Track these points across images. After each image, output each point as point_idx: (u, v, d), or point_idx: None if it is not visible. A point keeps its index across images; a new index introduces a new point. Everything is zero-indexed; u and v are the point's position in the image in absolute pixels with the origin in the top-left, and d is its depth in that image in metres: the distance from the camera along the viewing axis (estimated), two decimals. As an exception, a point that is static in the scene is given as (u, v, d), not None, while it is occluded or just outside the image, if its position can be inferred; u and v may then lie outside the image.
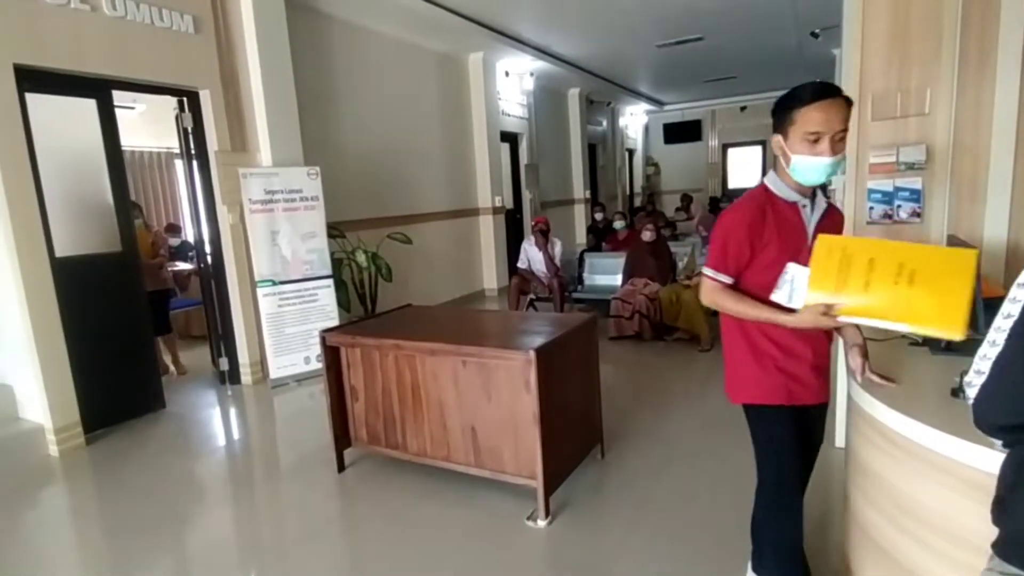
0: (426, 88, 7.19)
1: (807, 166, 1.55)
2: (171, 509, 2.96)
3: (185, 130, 4.53)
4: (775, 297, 1.56)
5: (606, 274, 6.35)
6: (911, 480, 1.40)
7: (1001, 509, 0.95)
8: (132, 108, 6.85)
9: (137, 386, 4.17)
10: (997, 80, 2.59)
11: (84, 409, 3.73)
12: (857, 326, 1.56)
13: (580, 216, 11.21)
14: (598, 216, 8.41)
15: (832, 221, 1.70)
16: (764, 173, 1.74)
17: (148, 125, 7.15)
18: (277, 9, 4.78)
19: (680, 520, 2.58)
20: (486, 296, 8.30)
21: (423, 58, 7.12)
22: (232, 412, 4.43)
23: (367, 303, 5.63)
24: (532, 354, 2.45)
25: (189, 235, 6.29)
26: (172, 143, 6.20)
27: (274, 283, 4.68)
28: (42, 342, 3.56)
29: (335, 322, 4.72)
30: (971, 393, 0.99)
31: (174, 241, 6.34)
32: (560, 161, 10.84)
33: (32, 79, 3.53)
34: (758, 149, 14.76)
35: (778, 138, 1.61)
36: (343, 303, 5.24)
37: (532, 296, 6.25)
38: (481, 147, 8.11)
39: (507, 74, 8.59)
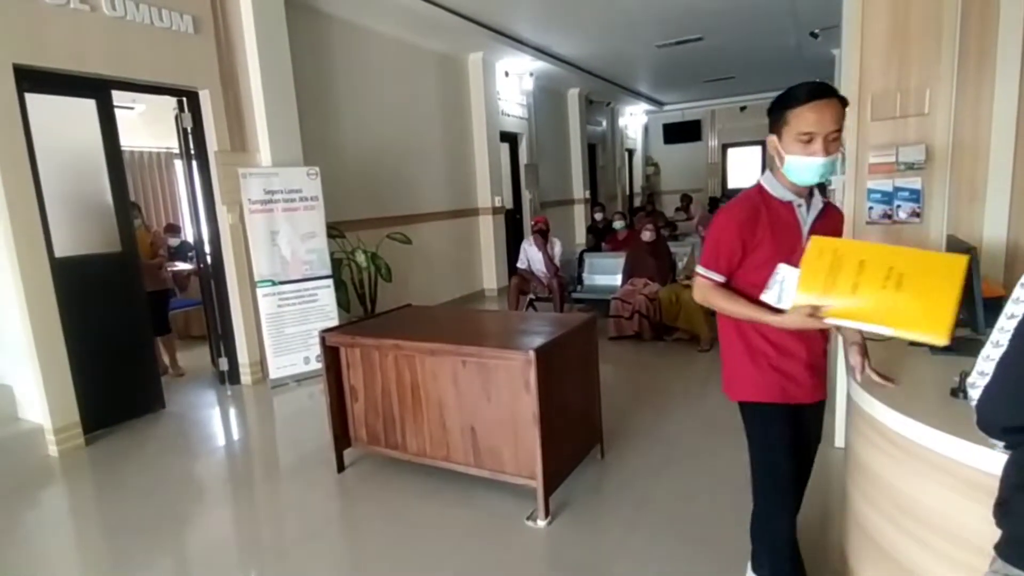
0: (426, 88, 7.19)
1: (800, 166, 1.56)
2: (171, 509, 2.96)
3: (185, 130, 4.53)
4: (765, 297, 1.56)
5: (606, 274, 6.35)
6: (911, 480, 1.40)
7: (1004, 511, 0.94)
8: (132, 108, 6.85)
9: (137, 386, 4.17)
10: (996, 80, 2.59)
11: (84, 409, 3.73)
12: None
13: (580, 216, 11.21)
14: (598, 216, 8.41)
15: (830, 220, 1.70)
16: (763, 173, 1.74)
17: (148, 125, 7.15)
18: (277, 9, 4.78)
19: (680, 520, 2.58)
20: (486, 296, 8.30)
21: (423, 58, 7.12)
22: (232, 412, 4.43)
23: (367, 303, 5.63)
24: (532, 354, 2.45)
25: (189, 235, 6.28)
26: (172, 143, 6.20)
27: (274, 283, 4.68)
28: (42, 342, 3.55)
29: (335, 322, 4.72)
30: (974, 394, 0.98)
31: (173, 241, 6.33)
32: (560, 161, 10.84)
33: (32, 79, 3.53)
34: (758, 149, 14.75)
35: (773, 138, 1.61)
36: (343, 303, 5.24)
37: (532, 296, 6.25)
38: (481, 147, 8.11)
39: (507, 74, 8.59)
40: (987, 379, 0.95)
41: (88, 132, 3.90)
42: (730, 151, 15.42)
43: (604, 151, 13.07)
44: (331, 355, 3.11)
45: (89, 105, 3.89)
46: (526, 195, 9.53)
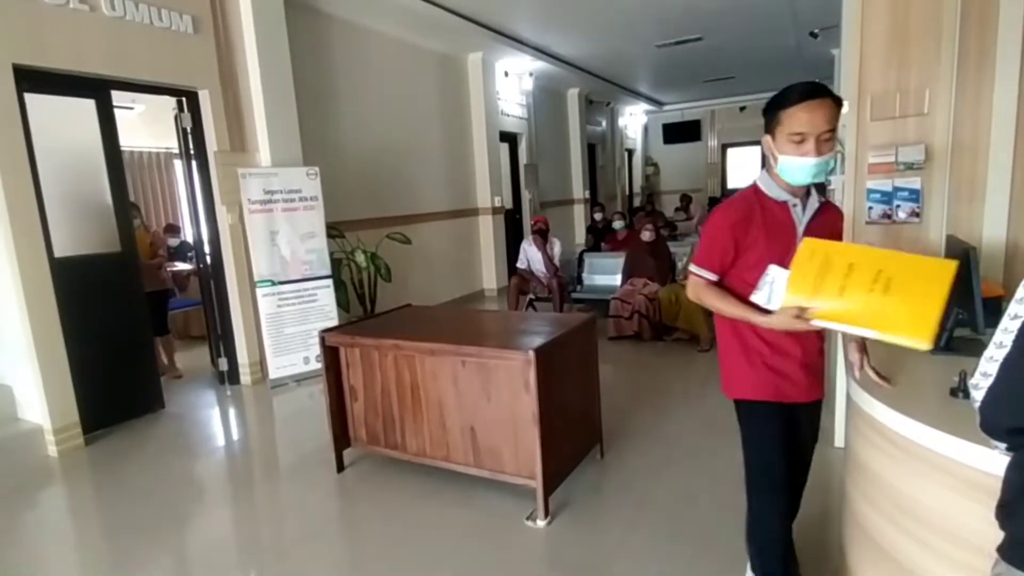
0: (425, 88, 7.19)
1: (793, 166, 1.57)
2: (170, 509, 2.96)
3: (184, 130, 4.53)
4: (755, 298, 1.57)
5: (605, 274, 6.35)
6: (911, 480, 1.40)
7: (1007, 513, 0.93)
8: (131, 108, 6.84)
9: (136, 386, 4.17)
10: (996, 80, 2.59)
11: (83, 409, 3.73)
12: None
13: (579, 216, 11.22)
14: (597, 216, 8.41)
15: (827, 220, 1.70)
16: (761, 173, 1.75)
17: (147, 125, 7.15)
18: (276, 9, 4.78)
19: (680, 520, 2.58)
20: (485, 296, 8.30)
21: (422, 58, 7.12)
22: (231, 412, 4.43)
23: (366, 303, 5.63)
24: (531, 354, 2.45)
25: (188, 235, 6.28)
26: (171, 143, 6.20)
27: (273, 283, 4.68)
28: (41, 342, 3.55)
29: (334, 322, 4.72)
30: (977, 396, 0.97)
31: (173, 241, 6.34)
32: (559, 161, 10.84)
33: (31, 79, 3.53)
34: (757, 149, 14.72)
35: (767, 138, 1.62)
36: (342, 303, 5.24)
37: (531, 296, 6.26)
38: (480, 147, 8.11)
39: (506, 74, 8.59)
40: (990, 380, 0.94)
41: (88, 132, 3.90)
42: (730, 151, 15.43)
43: (604, 151, 13.07)
44: (331, 355, 3.11)
45: (89, 105, 3.89)
46: (526, 195, 9.53)
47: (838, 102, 1.54)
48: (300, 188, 4.77)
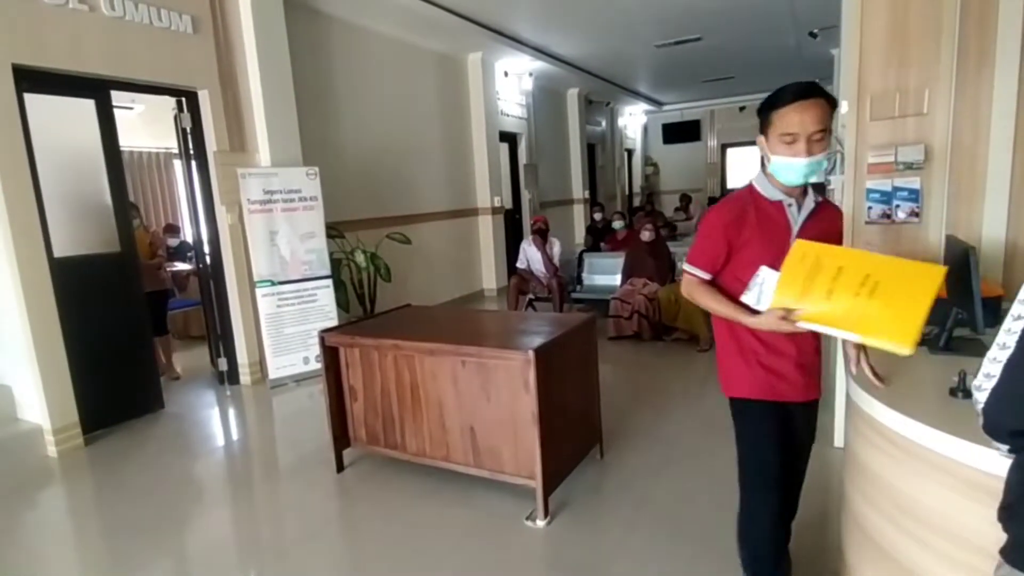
0: (425, 88, 7.19)
1: (784, 166, 1.58)
2: (170, 509, 2.96)
3: (184, 130, 4.53)
4: (744, 298, 1.58)
5: (605, 274, 6.35)
6: (910, 480, 1.40)
7: (1010, 515, 0.93)
8: (131, 108, 6.84)
9: (136, 386, 4.17)
10: (995, 80, 2.59)
11: (83, 410, 3.72)
12: None
13: (579, 216, 11.21)
14: (597, 216, 8.41)
15: (824, 220, 1.69)
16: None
17: (147, 125, 7.14)
18: (276, 9, 4.78)
19: (679, 520, 2.58)
20: (485, 296, 8.30)
21: (422, 58, 7.12)
22: (231, 412, 4.43)
23: (366, 303, 5.63)
24: (531, 354, 2.45)
25: (188, 235, 6.28)
26: (171, 143, 6.20)
27: (273, 283, 4.67)
28: (41, 343, 3.55)
29: (334, 322, 4.72)
30: (980, 397, 0.96)
31: (173, 241, 6.34)
32: (559, 161, 10.84)
33: (31, 79, 3.52)
34: (757, 149, 14.71)
35: (761, 138, 1.65)
36: (342, 303, 5.24)
37: (531, 296, 6.26)
38: (480, 147, 8.10)
39: (506, 74, 8.59)
40: (994, 381, 0.93)
41: (87, 132, 3.90)
42: (729, 151, 15.43)
43: (603, 151, 13.07)
44: (330, 355, 3.11)
45: (88, 105, 3.89)
46: (525, 195, 9.53)
47: (831, 102, 1.54)
48: (300, 188, 4.77)
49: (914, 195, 2.81)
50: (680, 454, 3.20)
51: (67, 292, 3.68)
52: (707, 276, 1.71)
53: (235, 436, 4.05)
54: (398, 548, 2.51)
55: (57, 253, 3.66)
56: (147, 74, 4.10)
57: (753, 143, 1.72)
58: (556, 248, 6.24)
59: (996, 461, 1.07)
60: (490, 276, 8.37)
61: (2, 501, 3.10)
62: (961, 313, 1.76)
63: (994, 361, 0.94)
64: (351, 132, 6.03)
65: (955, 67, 2.65)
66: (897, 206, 2.85)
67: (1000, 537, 0.94)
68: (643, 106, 14.16)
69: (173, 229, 6.59)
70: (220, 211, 4.62)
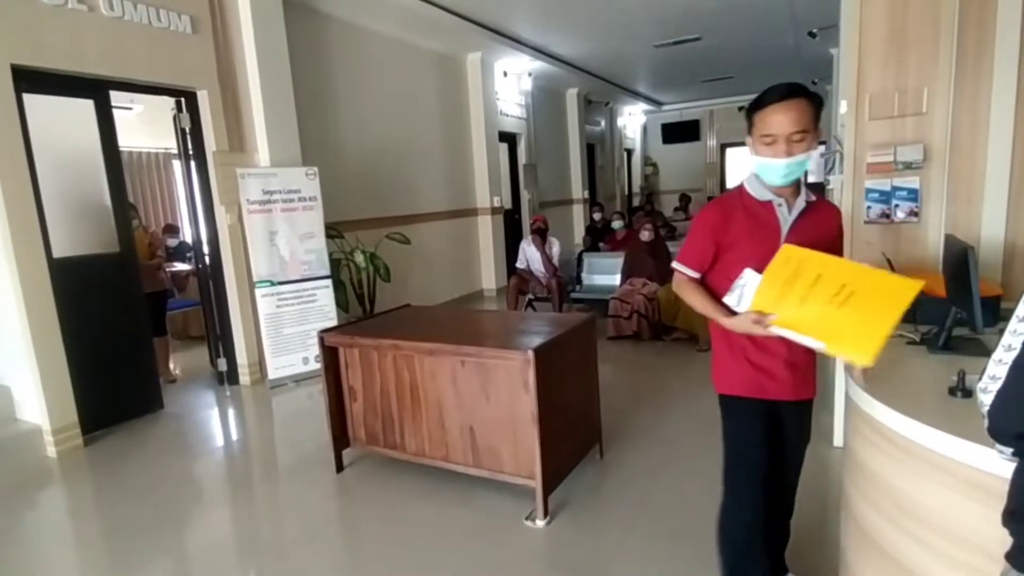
0: (424, 88, 7.19)
1: (765, 167, 1.61)
2: (170, 510, 2.95)
3: (183, 130, 4.52)
4: (727, 299, 1.61)
5: (604, 274, 6.35)
6: (910, 479, 1.40)
7: (1017, 519, 0.91)
8: (130, 108, 6.83)
9: (135, 387, 4.16)
10: (994, 79, 2.60)
11: (82, 410, 3.72)
12: None
13: (579, 216, 11.21)
14: (596, 216, 8.41)
15: (818, 219, 1.69)
16: None
17: (146, 126, 7.13)
18: (275, 9, 4.78)
19: (679, 520, 2.58)
20: (485, 296, 8.30)
21: (421, 58, 7.11)
22: (230, 413, 4.43)
23: (365, 303, 5.63)
24: (531, 354, 2.45)
25: (187, 236, 6.28)
26: (170, 144, 6.18)
27: (272, 283, 4.67)
28: (40, 343, 3.55)
29: (333, 322, 4.72)
30: (985, 399, 0.94)
31: (172, 242, 6.33)
32: (558, 161, 10.84)
33: (30, 80, 3.52)
34: (755, 149, 14.75)
35: (749, 140, 1.66)
36: (341, 303, 5.24)
37: (531, 296, 6.25)
38: (479, 147, 8.10)
39: (505, 74, 8.59)
40: (999, 383, 0.92)
41: (86, 132, 3.90)
42: (728, 151, 15.42)
43: (603, 151, 13.07)
44: (330, 355, 3.11)
45: (87, 105, 3.89)
46: (525, 195, 9.53)
47: (815, 102, 1.56)
48: (299, 188, 4.77)
49: (913, 195, 2.81)
50: (680, 454, 3.20)
51: (66, 292, 3.67)
52: (695, 274, 1.74)
53: (235, 436, 4.05)
54: (398, 548, 2.51)
55: (56, 253, 3.66)
56: (146, 74, 4.10)
57: (752, 143, 1.77)
58: (555, 248, 6.24)
59: (995, 460, 1.07)
60: (489, 276, 8.36)
61: (2, 501, 3.10)
62: (960, 312, 1.76)
63: (999, 363, 0.93)
64: (350, 132, 6.02)
65: (954, 67, 2.66)
66: (896, 206, 2.85)
67: (1001, 536, 0.94)
68: (642, 106, 14.16)
69: (172, 229, 6.59)
70: (219, 211, 4.62)
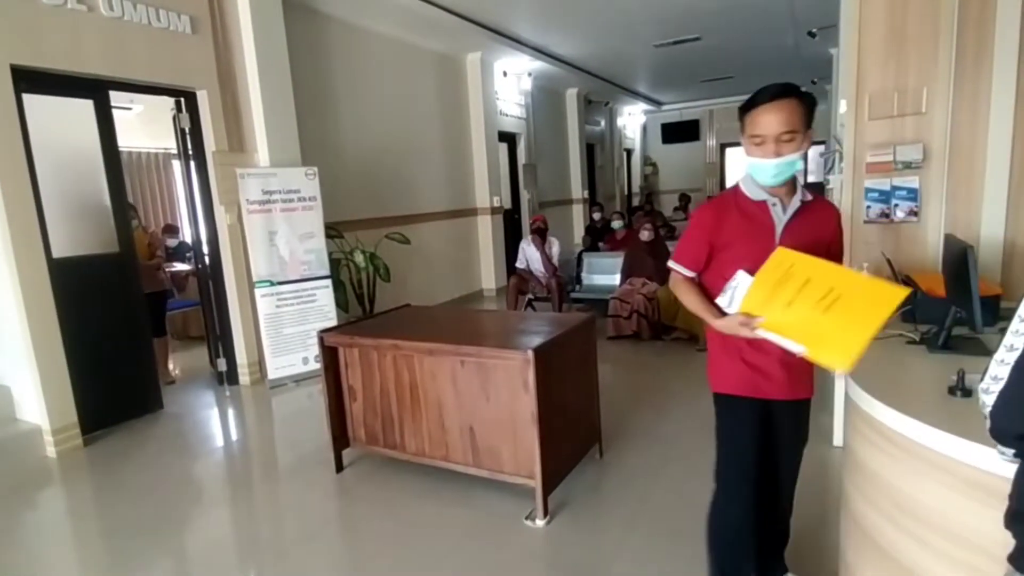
0: (424, 88, 7.19)
1: (755, 167, 1.63)
2: (170, 510, 2.95)
3: (182, 130, 4.52)
4: (719, 300, 1.62)
5: (604, 274, 6.35)
6: (909, 479, 1.40)
7: (1018, 521, 0.91)
8: (129, 109, 6.83)
9: (135, 387, 4.16)
10: (993, 78, 2.60)
11: (82, 410, 3.72)
12: None
13: (578, 216, 11.22)
14: (596, 216, 8.41)
15: (814, 218, 1.68)
16: None
17: (145, 126, 7.13)
18: (274, 9, 4.77)
19: (679, 519, 2.58)
20: (484, 296, 8.30)
21: (421, 58, 7.11)
22: (230, 413, 4.42)
23: (365, 303, 5.63)
24: (530, 354, 2.45)
25: (187, 236, 6.28)
26: (169, 144, 6.18)
27: (272, 283, 4.67)
28: (39, 343, 3.55)
29: (333, 322, 4.72)
30: (987, 400, 0.94)
31: (172, 242, 6.33)
32: (558, 161, 10.84)
33: (29, 80, 3.52)
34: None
35: (743, 140, 1.67)
36: (341, 303, 5.23)
37: (530, 296, 6.25)
38: (479, 147, 8.10)
39: (505, 74, 8.59)
40: (1001, 384, 0.91)
41: (86, 133, 3.90)
42: (728, 151, 15.42)
43: (602, 151, 13.08)
44: (329, 355, 3.11)
45: (87, 106, 3.88)
46: (524, 195, 9.53)
47: (806, 102, 1.56)
48: (299, 188, 4.77)
49: (913, 194, 2.81)
50: (680, 453, 3.20)
51: (66, 293, 3.67)
52: (690, 273, 1.76)
53: (234, 436, 4.05)
54: (397, 548, 2.51)
55: (56, 254, 3.66)
56: (146, 74, 4.10)
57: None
58: (555, 248, 6.24)
59: (995, 459, 1.07)
60: (489, 276, 8.36)
61: (1, 501, 3.09)
62: (960, 312, 1.76)
63: (1001, 363, 0.92)
64: (350, 132, 6.02)
65: (953, 66, 2.66)
66: (896, 205, 2.85)
67: (1001, 536, 0.94)
68: (642, 106, 14.16)
69: (172, 229, 6.59)
70: (219, 211, 4.61)
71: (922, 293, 2.13)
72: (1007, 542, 0.93)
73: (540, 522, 2.58)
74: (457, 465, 2.86)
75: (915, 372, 1.68)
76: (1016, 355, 0.90)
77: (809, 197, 1.68)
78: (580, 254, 6.83)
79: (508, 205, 9.07)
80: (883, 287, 1.45)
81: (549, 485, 2.61)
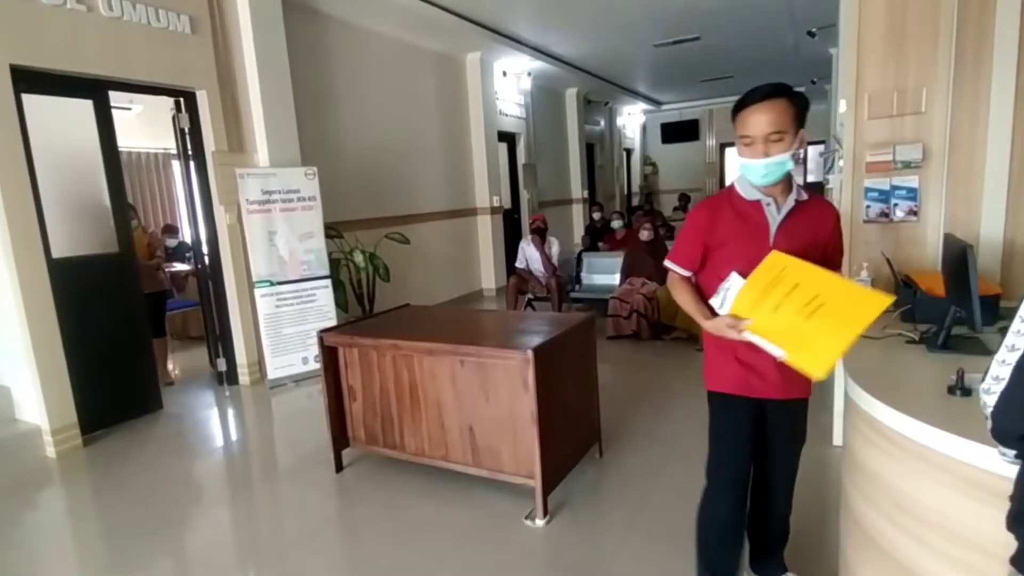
0: (424, 88, 7.19)
1: (746, 167, 1.63)
2: (169, 510, 2.95)
3: (182, 131, 4.52)
4: (712, 301, 1.64)
5: (604, 273, 6.35)
6: (909, 478, 1.40)
7: (1020, 522, 0.90)
8: (129, 109, 6.83)
9: (135, 387, 4.16)
10: (993, 78, 2.60)
11: (81, 410, 3.72)
12: None
13: (578, 216, 11.22)
14: (596, 216, 8.41)
15: (809, 218, 1.68)
16: None
17: (145, 126, 7.13)
18: (274, 9, 4.77)
19: (679, 519, 2.57)
20: (484, 296, 8.30)
21: (420, 58, 7.11)
22: (230, 413, 4.42)
23: (365, 303, 5.62)
24: (530, 353, 2.45)
25: (186, 236, 6.27)
26: (169, 144, 6.17)
27: (272, 283, 4.67)
28: (39, 343, 3.54)
29: (333, 322, 4.72)
30: (989, 400, 0.93)
31: (171, 242, 6.32)
32: (558, 161, 10.84)
33: (29, 80, 3.52)
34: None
35: (736, 140, 1.68)
36: (341, 303, 5.23)
37: (530, 296, 6.25)
38: (479, 147, 8.10)
39: (504, 74, 8.59)
40: (1003, 384, 0.90)
41: (85, 133, 3.89)
42: (728, 151, 15.42)
43: (602, 151, 13.08)
44: (329, 355, 3.11)
45: (86, 106, 3.88)
46: (524, 195, 9.53)
47: (796, 102, 1.56)
48: (298, 188, 4.77)
49: (912, 194, 2.81)
50: (679, 453, 3.19)
51: (66, 293, 3.67)
52: (686, 272, 1.77)
53: (234, 436, 4.05)
54: (397, 548, 2.51)
55: (55, 254, 3.66)
56: (145, 74, 4.10)
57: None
58: (555, 248, 6.24)
59: (994, 459, 1.07)
60: (489, 276, 8.36)
61: (1, 501, 3.09)
62: (959, 311, 1.77)
63: (1002, 363, 0.91)
64: (350, 132, 6.02)
65: (953, 66, 2.66)
66: (895, 205, 2.85)
67: (1001, 536, 0.93)
68: (642, 106, 14.16)
69: (171, 230, 6.58)
70: (218, 211, 4.61)
71: (922, 292, 2.13)
72: (1007, 542, 0.92)
73: (540, 522, 2.58)
74: (457, 465, 2.86)
75: (915, 371, 1.68)
76: (1017, 355, 0.89)
77: (805, 197, 1.68)
78: (580, 254, 6.83)
79: (508, 205, 9.07)
80: (867, 295, 1.46)
81: (549, 485, 2.62)
